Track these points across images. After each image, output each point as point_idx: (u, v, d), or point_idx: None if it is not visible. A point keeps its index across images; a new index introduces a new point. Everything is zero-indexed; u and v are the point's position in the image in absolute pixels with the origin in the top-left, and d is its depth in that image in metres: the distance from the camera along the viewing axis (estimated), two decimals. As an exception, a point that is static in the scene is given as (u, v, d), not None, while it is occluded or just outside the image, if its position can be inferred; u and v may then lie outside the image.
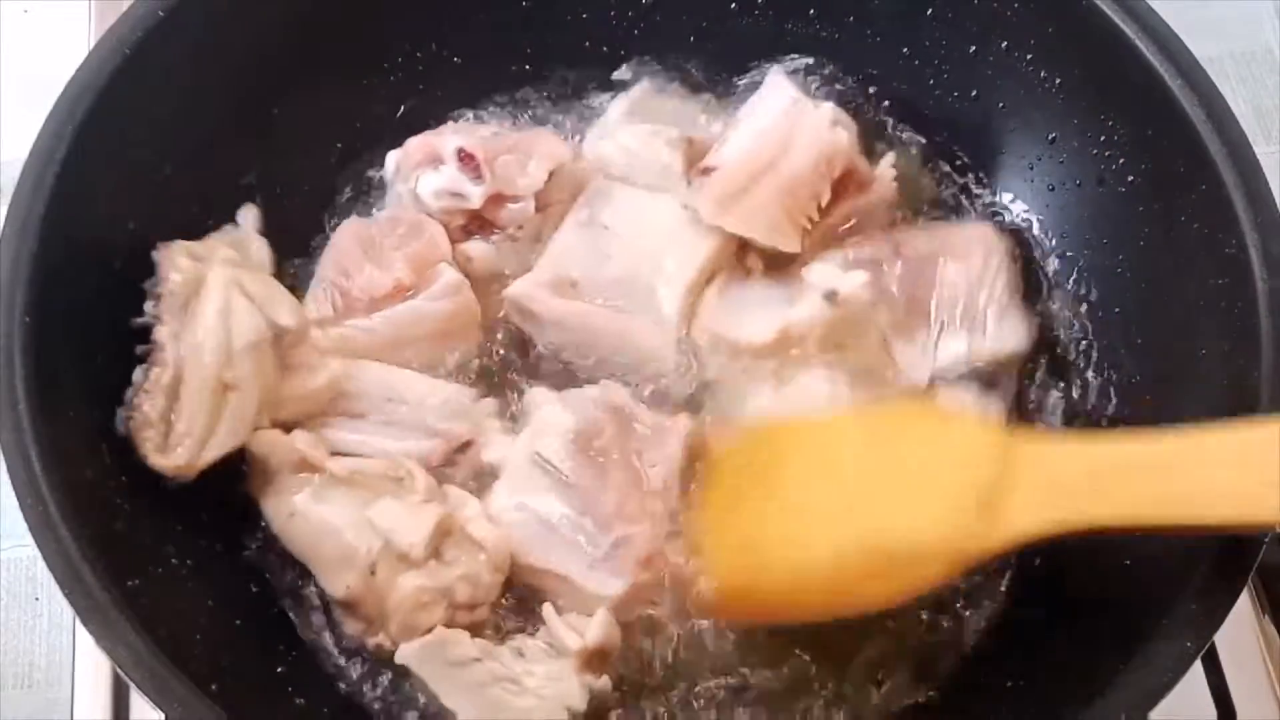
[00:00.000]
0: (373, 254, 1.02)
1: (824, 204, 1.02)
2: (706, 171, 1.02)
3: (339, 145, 1.09)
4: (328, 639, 0.94)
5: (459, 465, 0.97)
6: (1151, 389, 0.95)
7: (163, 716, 0.74)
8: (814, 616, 0.90)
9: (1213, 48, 1.31)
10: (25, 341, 0.80)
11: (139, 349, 0.88)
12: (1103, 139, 0.98)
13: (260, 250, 0.98)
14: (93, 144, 0.87)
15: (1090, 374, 1.01)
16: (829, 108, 1.04)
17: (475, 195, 1.01)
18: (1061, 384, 1.03)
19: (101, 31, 0.91)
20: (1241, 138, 0.89)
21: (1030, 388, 1.05)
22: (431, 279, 1.01)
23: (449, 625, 0.89)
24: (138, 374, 0.88)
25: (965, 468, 0.81)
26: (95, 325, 0.88)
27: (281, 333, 0.92)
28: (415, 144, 1.04)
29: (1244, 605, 1.08)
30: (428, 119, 1.09)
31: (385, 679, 0.93)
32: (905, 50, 1.07)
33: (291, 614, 0.95)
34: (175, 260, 0.90)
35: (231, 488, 0.97)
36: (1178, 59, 0.91)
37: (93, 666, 1.04)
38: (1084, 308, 1.02)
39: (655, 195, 1.04)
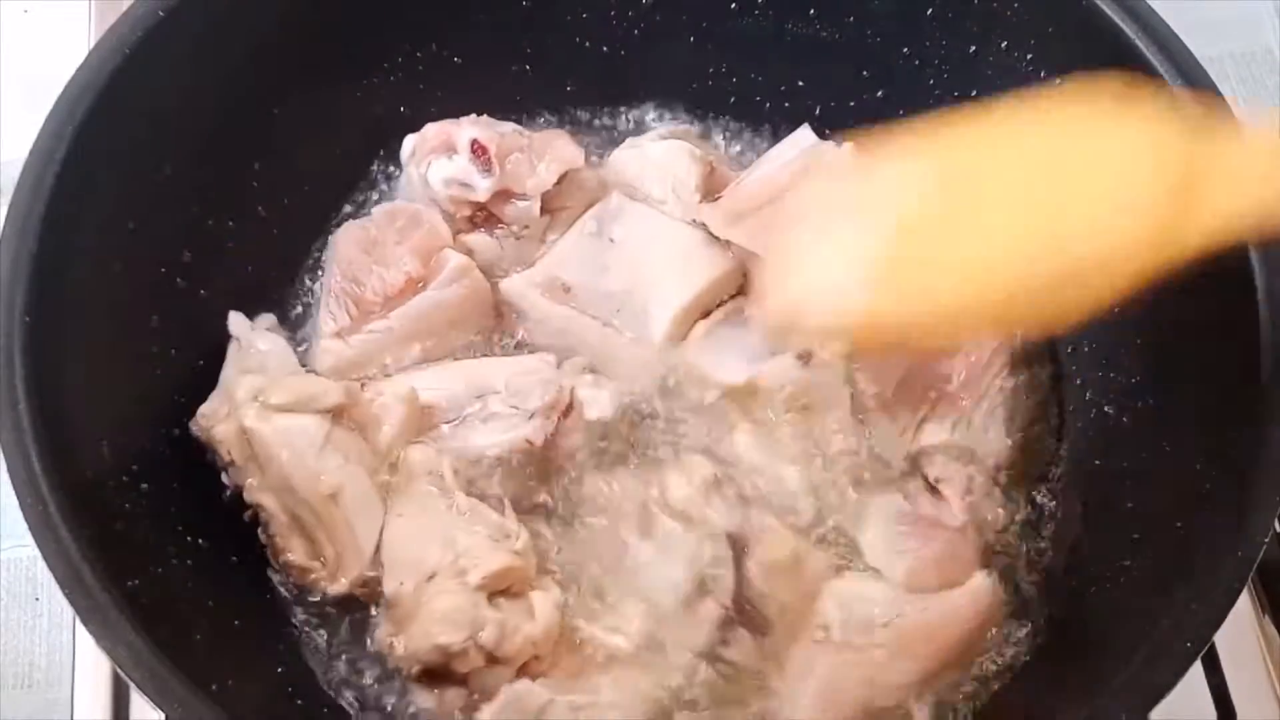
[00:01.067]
0: (377, 254, 1.03)
1: None
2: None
3: (339, 145, 1.09)
4: (324, 639, 0.95)
5: (570, 435, 0.97)
6: (1151, 389, 0.95)
7: (163, 716, 0.75)
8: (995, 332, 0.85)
9: (1213, 48, 1.31)
10: (25, 341, 0.80)
11: (245, 514, 0.93)
12: (1103, 139, 0.98)
13: (276, 349, 0.98)
14: (93, 144, 0.87)
15: (1091, 374, 1.01)
16: (849, 147, 1.04)
17: (482, 188, 1.02)
18: (1061, 382, 1.03)
19: (101, 31, 0.91)
20: (1242, 138, 0.89)
21: (1031, 388, 1.05)
22: (439, 266, 1.02)
23: (464, 666, 0.87)
24: (262, 537, 0.93)
25: (1151, 161, 0.74)
26: (95, 325, 0.88)
27: (338, 412, 0.93)
28: (433, 130, 1.05)
29: (1244, 605, 1.08)
30: (428, 120, 1.09)
31: (384, 678, 0.93)
32: (905, 50, 1.07)
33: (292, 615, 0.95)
34: (210, 433, 0.92)
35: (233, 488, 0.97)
36: (1178, 59, 0.91)
37: (93, 666, 1.04)
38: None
39: (669, 220, 1.04)
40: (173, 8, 0.92)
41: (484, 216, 1.05)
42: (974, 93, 1.06)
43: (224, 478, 0.93)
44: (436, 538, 0.90)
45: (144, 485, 0.87)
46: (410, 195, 1.07)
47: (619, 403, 0.98)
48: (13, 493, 0.76)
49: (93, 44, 0.91)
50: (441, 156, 1.03)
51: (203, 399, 0.95)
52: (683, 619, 0.90)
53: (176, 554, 0.87)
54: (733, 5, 1.11)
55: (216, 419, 0.92)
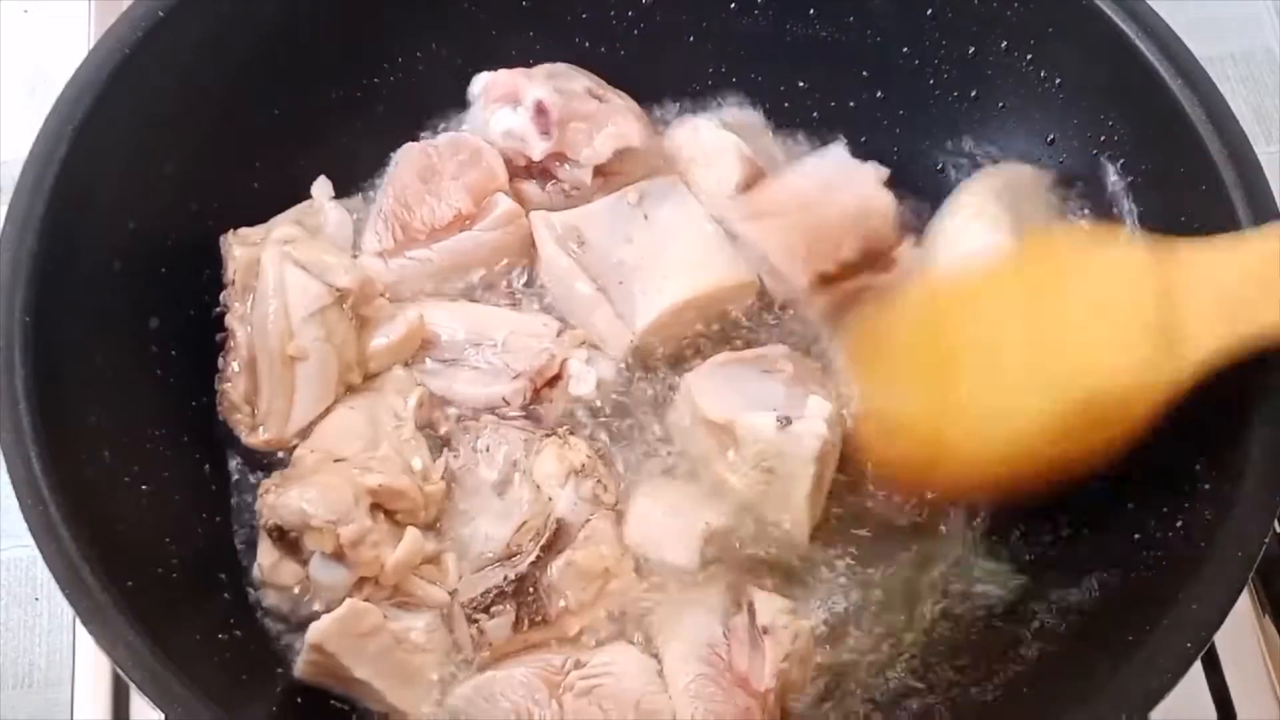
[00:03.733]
0: (432, 184, 1.04)
1: (843, 258, 1.01)
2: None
3: (340, 145, 1.09)
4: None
5: (552, 402, 0.98)
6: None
7: (163, 716, 0.75)
8: (1008, 482, 0.86)
9: (1213, 48, 1.31)
10: (25, 341, 0.80)
11: (218, 336, 0.94)
12: (1103, 139, 0.98)
13: (334, 216, 1.01)
14: (93, 144, 0.87)
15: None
16: (879, 170, 1.04)
17: (537, 150, 1.04)
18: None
19: (101, 31, 0.91)
20: (1241, 138, 0.89)
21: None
22: (489, 208, 1.03)
23: (312, 545, 0.88)
24: (220, 362, 0.94)
25: (1125, 292, 0.77)
26: (95, 325, 0.88)
27: (344, 295, 0.94)
28: (503, 77, 1.06)
29: (1244, 605, 1.08)
30: (428, 119, 1.09)
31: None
32: (905, 50, 1.07)
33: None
34: (232, 249, 0.94)
35: (232, 488, 0.97)
36: (1178, 59, 0.91)
37: (93, 666, 1.04)
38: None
39: (705, 217, 1.04)
40: (173, 8, 0.92)
41: (539, 169, 1.06)
42: (974, 93, 1.06)
43: (221, 296, 0.95)
44: (366, 437, 0.93)
45: (144, 485, 0.87)
46: (474, 130, 1.08)
47: (608, 377, 0.99)
48: (13, 493, 0.76)
49: (93, 44, 0.91)
50: (506, 106, 1.04)
51: (203, 398, 0.95)
52: (473, 579, 0.91)
53: (177, 555, 0.87)
54: (733, 5, 1.11)
55: (245, 242, 0.95)
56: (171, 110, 0.94)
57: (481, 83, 1.07)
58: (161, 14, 0.92)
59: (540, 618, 0.90)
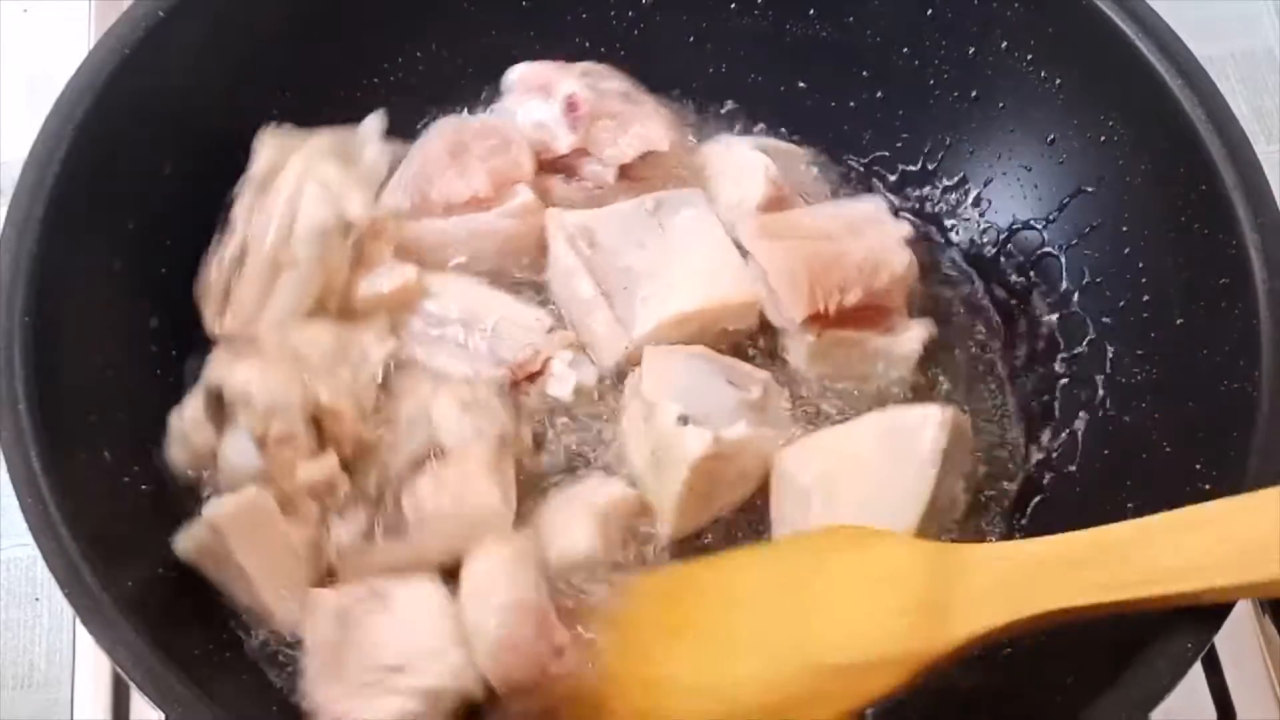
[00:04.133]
0: (459, 161, 1.03)
1: (843, 302, 0.98)
2: None
3: (339, 145, 1.09)
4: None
5: (528, 396, 0.98)
6: (1151, 389, 0.95)
7: (163, 716, 0.75)
8: None
9: (1213, 48, 1.31)
10: (25, 341, 0.80)
11: (220, 219, 0.95)
12: (1102, 139, 0.98)
13: (374, 153, 1.01)
14: (93, 144, 0.87)
15: (1091, 374, 1.01)
16: (907, 228, 1.02)
17: (562, 144, 1.03)
18: (1063, 383, 1.03)
19: (101, 31, 0.91)
20: (1241, 138, 0.89)
21: (1033, 390, 1.05)
22: (509, 196, 1.03)
23: (243, 422, 0.88)
24: (212, 243, 0.95)
25: (898, 580, 0.77)
26: (95, 325, 0.88)
27: (349, 224, 0.95)
28: (538, 69, 1.06)
29: (1244, 605, 1.08)
30: (429, 119, 1.09)
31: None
32: (905, 50, 1.07)
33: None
34: (264, 144, 0.95)
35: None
36: (1178, 59, 0.91)
37: (93, 666, 1.04)
38: (1083, 309, 1.02)
39: (722, 234, 1.03)
40: (173, 8, 0.92)
41: (564, 164, 1.06)
42: (974, 93, 1.06)
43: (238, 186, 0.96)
44: (331, 356, 0.93)
45: (144, 486, 0.87)
46: (508, 117, 1.08)
47: (588, 383, 0.99)
48: (13, 493, 0.76)
49: (93, 44, 0.91)
50: (537, 97, 1.05)
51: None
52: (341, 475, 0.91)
53: (177, 554, 0.87)
54: (733, 5, 1.11)
55: (283, 151, 0.96)
56: (171, 110, 0.94)
57: (516, 73, 1.07)
58: (161, 14, 0.91)
59: (394, 526, 0.89)
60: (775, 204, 1.05)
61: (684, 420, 0.92)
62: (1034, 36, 1.00)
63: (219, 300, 0.95)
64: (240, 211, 0.95)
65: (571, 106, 1.03)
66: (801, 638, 0.79)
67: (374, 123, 1.02)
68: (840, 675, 0.77)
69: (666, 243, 1.03)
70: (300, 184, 0.94)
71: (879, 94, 1.11)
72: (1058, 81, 1.00)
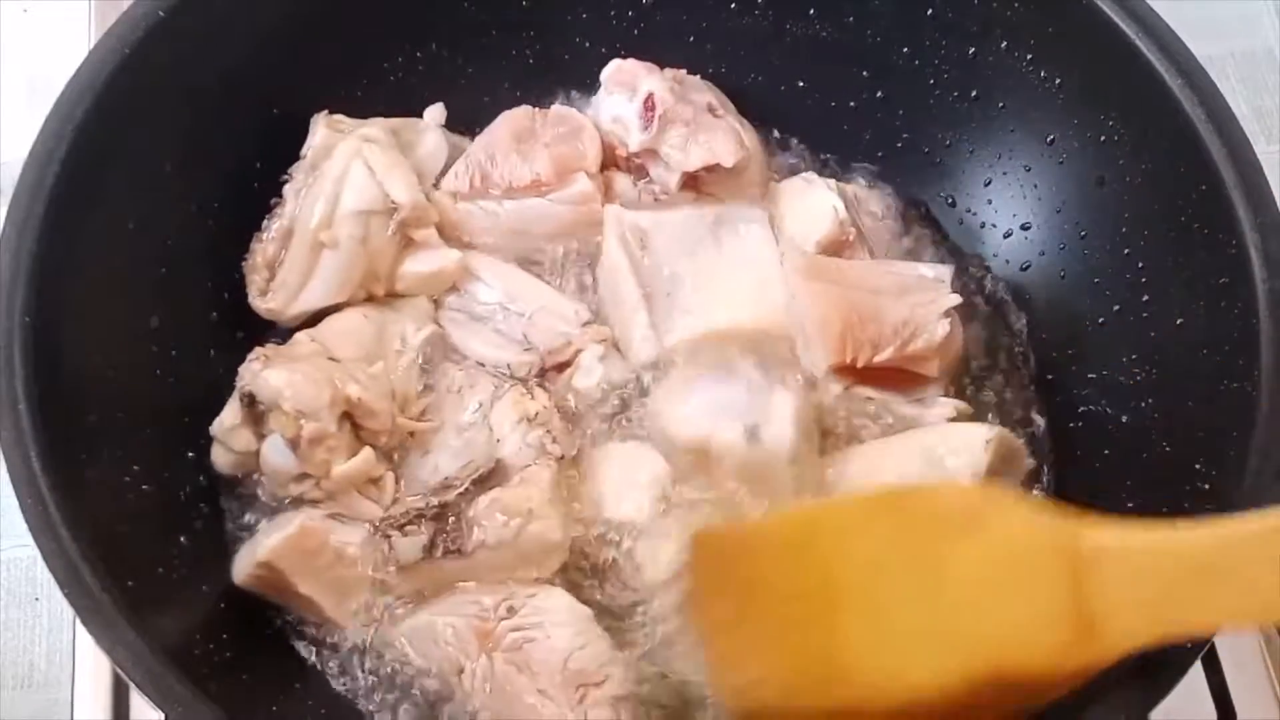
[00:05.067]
0: (524, 145, 1.06)
1: (875, 359, 0.97)
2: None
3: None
4: (327, 639, 0.95)
5: (556, 385, 1.00)
6: (1151, 389, 0.95)
7: (163, 716, 0.75)
8: None
9: (1213, 48, 1.31)
10: (25, 341, 0.80)
11: (273, 201, 0.99)
12: (1103, 139, 0.98)
13: (433, 141, 1.05)
14: (93, 144, 0.87)
15: (1091, 374, 1.01)
16: (956, 300, 1.00)
17: (634, 140, 1.05)
18: (1063, 383, 1.03)
19: (101, 31, 0.91)
20: (1241, 138, 0.89)
21: (1032, 389, 1.05)
22: (568, 183, 1.04)
23: (275, 426, 0.89)
24: (264, 222, 0.98)
25: (1044, 571, 0.70)
26: (95, 325, 0.88)
27: (395, 209, 0.97)
28: (630, 66, 1.08)
29: (1244, 605, 1.08)
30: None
31: (383, 676, 0.93)
32: (905, 50, 1.07)
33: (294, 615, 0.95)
34: (318, 127, 0.99)
35: (234, 488, 0.97)
36: (1178, 59, 0.91)
37: (93, 666, 1.04)
38: (1083, 309, 1.02)
39: (773, 258, 1.03)
40: (173, 8, 0.92)
41: (635, 163, 1.08)
42: (974, 93, 1.06)
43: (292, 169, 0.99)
44: (367, 349, 0.95)
45: (144, 486, 0.87)
46: (595, 110, 1.10)
47: (616, 379, 1.00)
48: (13, 493, 0.76)
49: (93, 44, 0.91)
50: (622, 93, 1.06)
51: (202, 398, 0.95)
52: (404, 500, 0.93)
53: (176, 554, 0.88)
54: (733, 5, 1.11)
55: (334, 127, 0.99)
56: (171, 110, 0.94)
57: (611, 67, 1.09)
58: (161, 14, 0.91)
59: (456, 548, 0.90)
60: (836, 248, 1.05)
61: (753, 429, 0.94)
62: (1034, 36, 1.00)
63: (264, 278, 0.98)
64: (289, 191, 0.98)
65: (649, 106, 1.04)
66: (954, 631, 0.71)
67: (435, 113, 1.05)
68: (1004, 688, 0.70)
69: (718, 257, 1.03)
70: (346, 165, 0.97)
71: (879, 94, 1.11)
72: (1058, 81, 1.00)
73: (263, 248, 0.98)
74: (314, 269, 0.97)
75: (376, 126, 1.01)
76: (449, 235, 1.04)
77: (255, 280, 0.98)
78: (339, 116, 1.01)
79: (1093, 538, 0.70)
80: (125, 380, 0.90)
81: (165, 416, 0.93)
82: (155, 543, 0.86)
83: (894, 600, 0.74)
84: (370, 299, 1.00)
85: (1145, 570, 0.68)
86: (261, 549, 0.89)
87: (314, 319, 0.99)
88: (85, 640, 0.96)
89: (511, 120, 1.08)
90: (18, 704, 1.07)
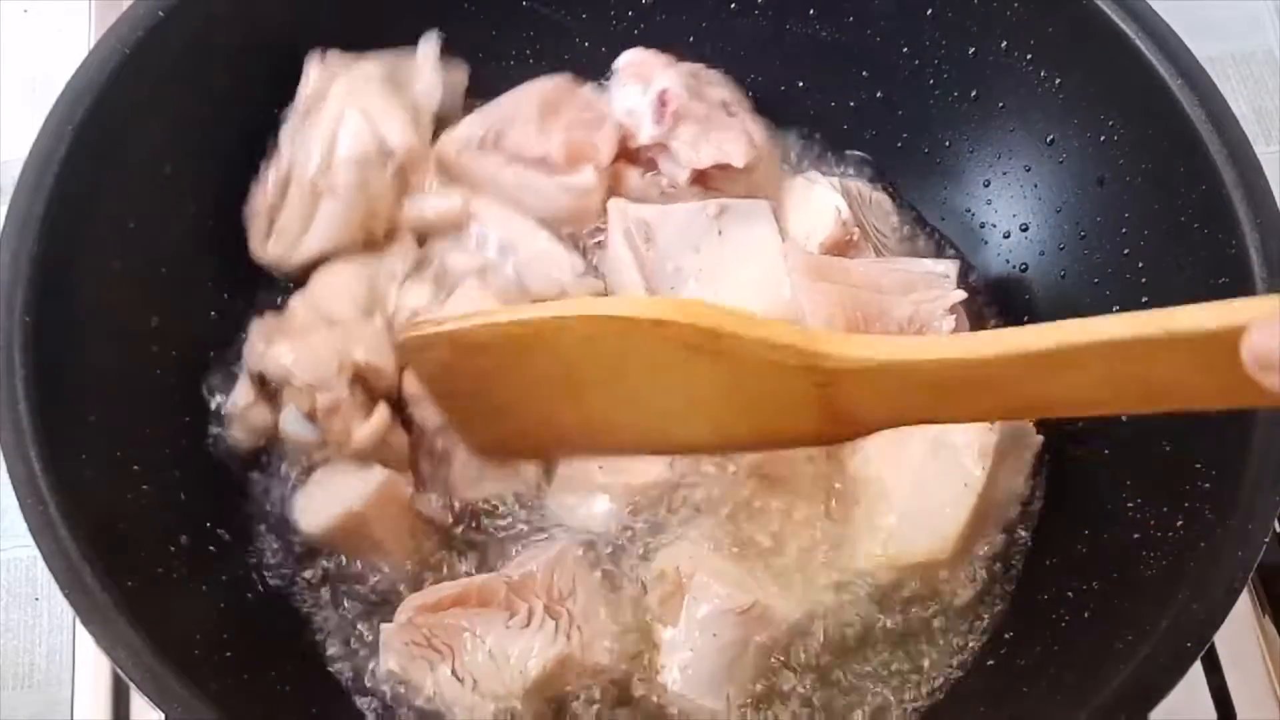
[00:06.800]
0: (546, 119, 1.04)
1: None
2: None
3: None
4: (328, 640, 0.95)
5: None
6: (1151, 389, 0.95)
7: (163, 716, 0.75)
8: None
9: (1213, 48, 1.31)
10: (25, 341, 0.80)
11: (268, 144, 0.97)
12: (1103, 139, 0.98)
13: (428, 79, 1.02)
14: (93, 144, 0.87)
15: (1090, 374, 1.01)
16: (962, 295, 1.00)
17: (644, 134, 1.04)
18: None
19: (101, 31, 0.91)
20: (1241, 138, 0.89)
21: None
22: (574, 172, 1.03)
23: (289, 399, 0.91)
24: (260, 167, 0.97)
25: (787, 385, 0.74)
26: (95, 325, 0.88)
27: (390, 154, 0.96)
28: (646, 57, 1.07)
29: (1244, 605, 1.08)
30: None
31: (383, 674, 0.93)
32: (905, 50, 1.07)
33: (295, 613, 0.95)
34: (311, 70, 0.97)
35: (234, 488, 0.97)
36: (1178, 59, 0.91)
37: (93, 666, 1.04)
38: (1083, 309, 1.02)
39: (777, 255, 1.03)
40: (173, 8, 0.92)
41: (645, 157, 1.07)
42: (974, 93, 1.06)
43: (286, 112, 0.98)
44: (361, 303, 0.95)
45: (144, 485, 0.87)
46: (608, 100, 1.08)
47: None
48: (13, 493, 0.76)
49: (93, 44, 0.91)
50: (636, 85, 1.05)
51: (202, 399, 0.95)
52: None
53: (176, 554, 0.87)
54: (733, 5, 1.11)
55: (327, 66, 0.97)
56: (171, 110, 0.94)
57: (628, 56, 1.08)
58: (161, 14, 0.91)
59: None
60: (840, 247, 1.05)
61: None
62: (1034, 36, 1.00)
63: (264, 226, 0.97)
64: (285, 136, 0.96)
65: (662, 101, 1.03)
66: (708, 416, 0.80)
67: (428, 48, 1.03)
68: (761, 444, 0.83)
69: (721, 250, 1.03)
70: (340, 109, 0.95)
71: (879, 94, 1.11)
72: (1058, 81, 1.00)
73: (261, 194, 0.97)
74: (313, 216, 0.97)
75: (372, 64, 0.99)
76: (448, 179, 1.03)
77: (255, 228, 0.97)
78: (332, 55, 0.99)
79: (834, 359, 0.72)
80: (125, 380, 0.90)
81: (165, 417, 0.93)
82: (155, 543, 0.86)
83: (642, 394, 0.80)
84: (369, 242, 0.99)
85: (885, 385, 0.72)
86: (356, 499, 0.90)
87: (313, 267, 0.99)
88: (85, 640, 0.96)
89: (543, 90, 1.06)
90: (18, 704, 1.07)
